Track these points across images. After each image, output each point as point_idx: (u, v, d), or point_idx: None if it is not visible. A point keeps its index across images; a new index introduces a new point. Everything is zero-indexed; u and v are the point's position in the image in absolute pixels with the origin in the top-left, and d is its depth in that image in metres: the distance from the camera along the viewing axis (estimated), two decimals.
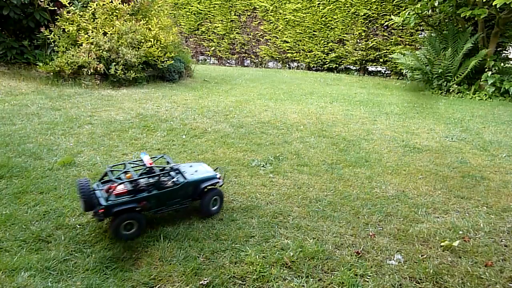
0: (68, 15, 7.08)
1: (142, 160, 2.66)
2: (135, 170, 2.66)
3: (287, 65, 14.29)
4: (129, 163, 2.73)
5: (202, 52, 15.31)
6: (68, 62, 6.89)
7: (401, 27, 11.54)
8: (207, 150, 4.17)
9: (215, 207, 2.79)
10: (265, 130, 5.06)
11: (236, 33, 14.31)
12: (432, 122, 6.02)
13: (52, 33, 7.06)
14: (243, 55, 14.69)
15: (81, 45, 7.04)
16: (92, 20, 7.22)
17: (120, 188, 2.45)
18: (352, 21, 12.18)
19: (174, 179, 2.66)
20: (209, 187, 2.76)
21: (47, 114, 5.08)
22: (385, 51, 11.88)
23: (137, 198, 2.46)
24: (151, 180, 2.56)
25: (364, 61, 12.45)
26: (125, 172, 2.59)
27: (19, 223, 2.52)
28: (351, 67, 13.06)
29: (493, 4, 7.35)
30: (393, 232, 2.66)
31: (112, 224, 2.39)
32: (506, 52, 10.38)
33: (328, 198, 3.15)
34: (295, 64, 14.22)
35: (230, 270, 2.17)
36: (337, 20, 12.38)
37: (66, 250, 2.28)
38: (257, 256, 2.29)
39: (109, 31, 7.19)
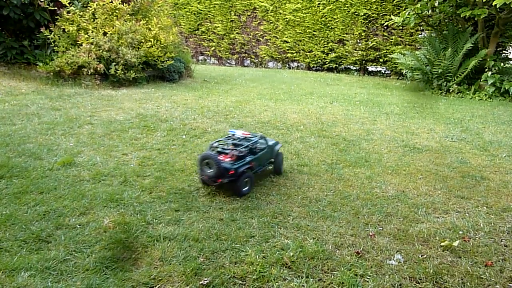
0: (68, 15, 7.08)
1: (234, 134, 3.44)
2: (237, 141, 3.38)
3: (287, 65, 14.29)
4: (226, 138, 3.45)
5: (202, 52, 15.31)
6: (68, 62, 6.89)
7: (401, 27, 11.54)
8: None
9: (281, 167, 3.64)
10: (265, 130, 5.06)
11: (236, 33, 14.31)
12: (432, 122, 6.02)
13: (52, 33, 7.07)
14: (243, 55, 14.69)
15: (81, 45, 7.04)
16: (92, 20, 7.22)
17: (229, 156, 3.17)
18: (352, 21, 12.18)
19: (258, 145, 3.42)
20: (280, 150, 3.67)
21: (47, 114, 5.08)
22: (385, 51, 11.89)
23: (249, 161, 3.20)
24: (244, 149, 3.24)
25: (364, 61, 12.45)
26: (228, 145, 3.36)
27: (19, 223, 2.52)
28: (351, 67, 13.06)
29: (493, 4, 7.35)
30: (393, 232, 2.66)
31: (236, 185, 3.05)
32: (506, 52, 10.38)
33: (328, 198, 3.15)
34: (295, 64, 14.23)
35: (230, 270, 2.17)
36: (337, 20, 12.38)
37: (66, 250, 2.28)
38: (257, 256, 2.29)
39: (109, 31, 7.19)
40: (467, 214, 2.99)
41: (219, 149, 3.27)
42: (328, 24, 12.60)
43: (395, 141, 4.85)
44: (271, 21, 13.61)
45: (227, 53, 14.77)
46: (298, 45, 13.34)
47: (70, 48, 7.08)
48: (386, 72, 12.63)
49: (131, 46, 7.31)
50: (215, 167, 2.97)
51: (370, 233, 2.62)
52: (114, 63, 7.11)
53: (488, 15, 8.34)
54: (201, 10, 14.47)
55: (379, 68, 12.81)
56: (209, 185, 3.17)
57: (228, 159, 3.11)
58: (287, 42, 13.50)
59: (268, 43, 13.96)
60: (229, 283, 2.07)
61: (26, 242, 2.33)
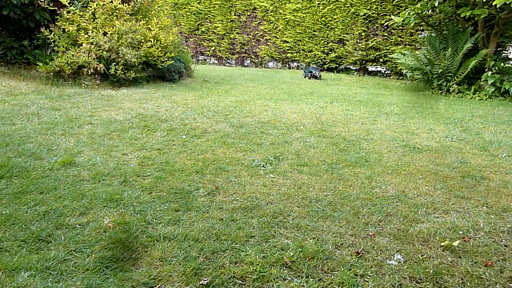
0: (68, 15, 7.08)
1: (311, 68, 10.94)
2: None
3: (287, 65, 14.29)
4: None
5: (202, 52, 15.31)
6: (68, 62, 6.89)
7: (401, 27, 11.54)
8: (207, 150, 4.17)
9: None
10: (265, 130, 5.06)
11: (236, 33, 14.31)
12: (432, 122, 6.02)
13: (52, 33, 7.06)
14: (243, 55, 14.69)
15: (81, 45, 7.04)
16: (92, 20, 7.22)
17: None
18: (352, 21, 12.18)
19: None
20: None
21: (47, 114, 5.08)
22: (385, 51, 11.89)
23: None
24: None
25: (364, 61, 12.45)
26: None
27: (19, 223, 2.51)
28: (351, 67, 13.06)
29: (493, 4, 7.36)
30: (393, 232, 2.66)
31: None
32: (506, 52, 10.39)
33: (328, 198, 3.15)
34: (295, 64, 14.22)
35: (230, 270, 2.17)
36: (337, 20, 12.38)
37: (66, 250, 2.27)
38: (257, 256, 2.29)
39: (109, 31, 7.19)
40: (467, 214, 3.00)
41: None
42: (328, 24, 12.60)
43: (395, 141, 4.85)
44: (271, 21, 13.61)
45: (227, 53, 14.76)
46: (298, 45, 13.34)
47: (70, 48, 7.08)
48: (386, 72, 12.63)
49: (131, 46, 7.31)
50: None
51: (370, 233, 2.62)
52: (114, 63, 7.11)
53: (488, 15, 8.34)
54: (201, 10, 14.46)
55: (379, 68, 12.81)
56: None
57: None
58: (287, 42, 13.50)
59: (268, 43, 13.95)
60: (229, 283, 2.07)
61: (26, 242, 2.33)
